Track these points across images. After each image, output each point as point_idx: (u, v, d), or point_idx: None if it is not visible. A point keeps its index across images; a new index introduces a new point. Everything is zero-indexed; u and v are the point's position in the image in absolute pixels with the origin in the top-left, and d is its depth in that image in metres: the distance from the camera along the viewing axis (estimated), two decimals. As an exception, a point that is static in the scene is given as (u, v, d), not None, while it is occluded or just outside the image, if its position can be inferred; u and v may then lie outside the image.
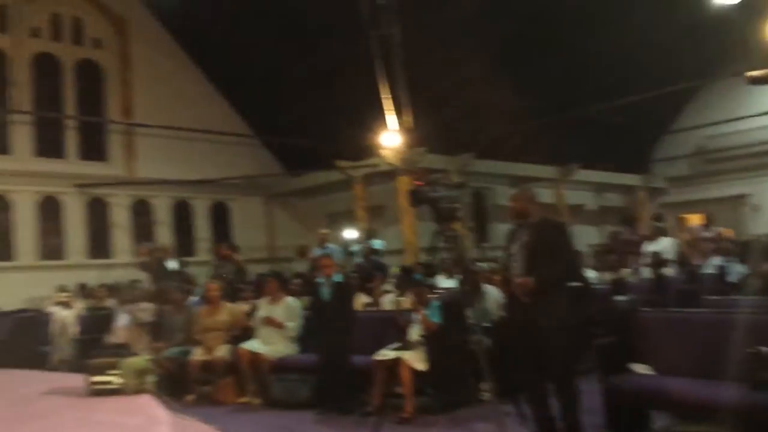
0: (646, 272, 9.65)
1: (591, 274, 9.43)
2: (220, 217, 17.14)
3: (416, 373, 5.90)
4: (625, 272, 10.43)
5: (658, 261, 9.30)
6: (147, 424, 1.90)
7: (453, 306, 6.25)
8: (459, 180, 5.57)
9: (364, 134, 13.00)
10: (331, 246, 11.11)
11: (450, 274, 8.93)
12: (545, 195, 15.38)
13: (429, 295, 6.39)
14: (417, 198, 4.88)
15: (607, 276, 10.04)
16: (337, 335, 6.39)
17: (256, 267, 13.30)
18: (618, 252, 11.49)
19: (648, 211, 17.98)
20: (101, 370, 2.37)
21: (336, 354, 6.37)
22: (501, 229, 15.06)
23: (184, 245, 15.70)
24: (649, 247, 10.05)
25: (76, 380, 2.73)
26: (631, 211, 17.38)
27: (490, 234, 15.99)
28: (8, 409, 2.28)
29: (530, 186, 5.36)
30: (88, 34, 15.51)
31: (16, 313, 10.77)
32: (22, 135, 14.33)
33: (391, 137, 12.67)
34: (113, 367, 2.37)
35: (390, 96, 11.58)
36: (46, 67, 14.78)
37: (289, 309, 7.33)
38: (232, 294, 8.97)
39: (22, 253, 13.99)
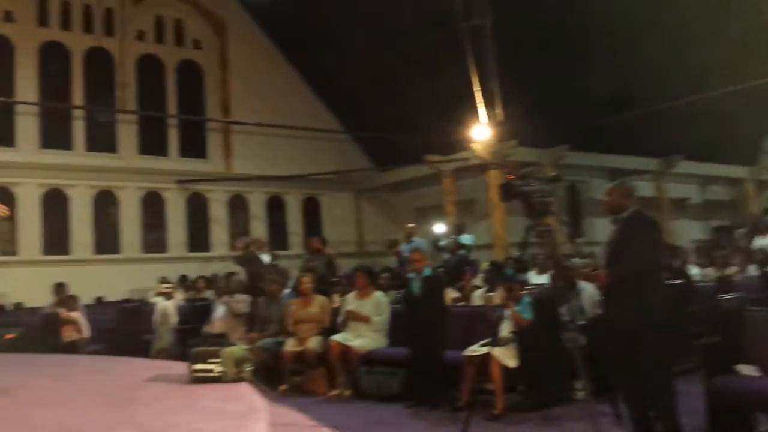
0: (753, 269, 9.06)
1: (694, 270, 8.94)
2: (311, 211, 17.51)
3: (507, 370, 5.80)
4: (732, 269, 9.83)
5: (766, 258, 8.71)
6: (246, 411, 1.93)
7: (545, 303, 6.09)
8: (553, 173, 5.36)
9: (454, 128, 12.89)
10: (418, 240, 11.08)
11: (542, 270, 8.73)
12: (645, 189, 14.73)
13: (520, 291, 6.25)
14: (509, 192, 4.75)
15: (712, 273, 9.49)
16: (427, 329, 6.36)
17: (345, 261, 13.48)
18: (724, 248, 10.85)
19: (756, 205, 16.87)
20: (202, 359, 2.43)
21: (427, 348, 6.34)
22: (596, 224, 14.57)
23: (277, 239, 16.14)
24: (758, 243, 9.42)
25: (178, 368, 2.83)
26: (738, 205, 16.36)
27: (584, 229, 15.49)
28: (117, 394, 2.39)
29: (627, 179, 5.11)
30: (189, 35, 16.20)
31: (121, 303, 11.41)
32: (128, 134, 15.15)
33: (481, 130, 12.50)
34: (213, 355, 2.43)
35: (481, 88, 11.41)
36: (150, 69, 15.55)
37: (377, 303, 7.36)
38: (324, 287, 9.12)
39: (127, 246, 14.81)
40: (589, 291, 6.76)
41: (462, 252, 10.25)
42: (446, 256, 10.78)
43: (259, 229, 15.86)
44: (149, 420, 1.86)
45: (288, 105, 16.24)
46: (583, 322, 6.11)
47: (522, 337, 5.94)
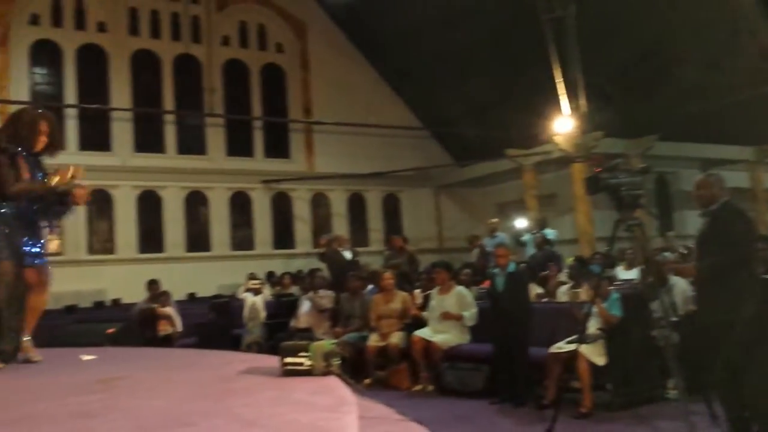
0: None
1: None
2: (391, 208, 17.62)
3: (595, 368, 5.66)
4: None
5: None
6: (336, 404, 1.97)
7: (635, 299, 5.90)
8: (641, 165, 5.17)
9: (536, 121, 12.64)
10: (502, 235, 10.95)
11: (631, 266, 8.45)
12: (739, 179, 13.96)
13: (608, 287, 6.07)
14: (595, 185, 4.63)
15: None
16: (512, 326, 6.30)
17: (426, 257, 13.48)
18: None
19: None
20: (292, 352, 2.50)
21: (511, 345, 6.28)
22: (687, 217, 13.94)
23: (358, 235, 16.35)
24: None
25: (269, 361, 2.92)
26: None
27: (675, 222, 14.86)
28: (213, 385, 2.49)
29: (717, 171, 4.87)
30: (272, 39, 16.61)
31: (212, 299, 11.85)
32: (216, 136, 15.71)
33: (564, 122, 12.19)
34: (303, 349, 2.49)
35: (563, 79, 11.14)
36: (235, 73, 16.06)
37: (460, 298, 7.34)
38: (406, 283, 9.18)
39: (217, 244, 15.37)
40: (681, 286, 6.51)
41: (547, 247, 10.03)
42: (531, 251, 10.58)
43: (340, 226, 16.09)
44: (245, 411, 1.93)
45: (367, 103, 16.40)
46: (675, 319, 5.90)
47: (610, 334, 5.79)
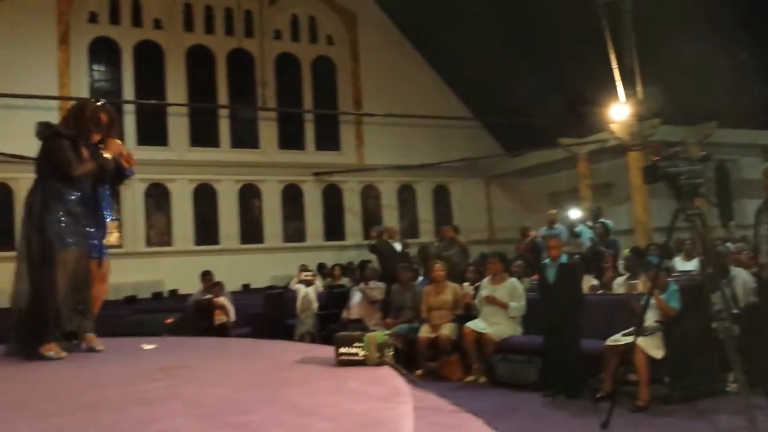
0: None
1: None
2: (441, 199, 17.55)
3: (652, 360, 5.54)
4: None
5: None
6: (391, 394, 1.98)
7: (694, 290, 5.74)
8: (701, 153, 5.01)
9: (590, 108, 12.36)
10: (560, 227, 10.73)
11: (689, 256, 8.21)
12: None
13: (666, 279, 5.92)
14: (653, 174, 4.51)
15: None
16: (563, 318, 6.20)
17: (476, 248, 13.39)
18: None
19: None
20: (347, 343, 2.53)
21: (563, 337, 6.19)
22: (748, 206, 13.43)
23: (408, 227, 16.35)
24: None
25: (323, 351, 2.96)
26: None
27: (736, 211, 14.35)
28: (269, 374, 2.54)
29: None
30: (323, 32, 16.71)
31: (265, 290, 12.05)
32: (269, 130, 15.93)
33: (620, 110, 11.89)
34: (357, 340, 2.52)
35: (619, 66, 10.85)
36: (287, 66, 16.23)
37: (512, 290, 7.28)
38: (457, 275, 9.13)
39: (269, 236, 15.61)
40: (743, 277, 6.31)
41: (604, 238, 9.74)
42: (585, 242, 10.33)
43: (390, 217, 16.13)
44: (302, 399, 1.96)
45: (417, 94, 16.35)
46: (736, 311, 5.72)
47: (668, 327, 5.64)
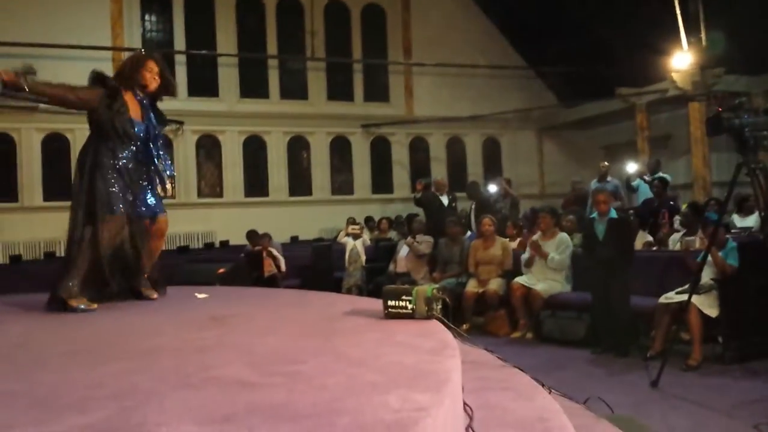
0: None
1: None
2: (491, 151, 17.31)
3: (706, 319, 5.42)
4: None
5: None
6: (439, 347, 1.99)
7: (753, 248, 5.55)
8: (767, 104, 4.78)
9: (650, 57, 11.87)
10: (614, 181, 10.44)
11: (750, 212, 7.93)
12: None
13: (725, 236, 5.73)
14: (717, 126, 4.32)
15: None
16: (612, 275, 6.09)
17: (526, 202, 13.21)
18: None
19: None
20: (395, 296, 2.54)
21: (612, 294, 6.09)
22: (817, 162, 12.84)
23: (457, 180, 16.22)
24: None
25: (371, 303, 2.98)
26: None
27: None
28: (319, 325, 2.58)
29: None
30: (373, -21, 16.38)
31: (313, 242, 12.19)
32: (318, 81, 15.87)
33: (681, 58, 11.38)
34: (406, 293, 2.52)
35: (681, 10, 10.34)
36: (336, 16, 16.03)
37: (560, 243, 7.19)
38: (510, 226, 9.05)
39: (318, 188, 15.72)
40: (807, 236, 6.03)
41: (664, 192, 9.39)
42: (642, 196, 10.01)
43: (439, 170, 16.01)
44: (351, 350, 1.98)
45: (469, 43, 15.98)
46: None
47: (725, 285, 5.49)
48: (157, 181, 3.75)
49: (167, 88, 3.84)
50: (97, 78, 3.63)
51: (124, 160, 3.56)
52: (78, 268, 3.41)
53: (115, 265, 3.61)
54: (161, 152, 3.75)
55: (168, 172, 3.76)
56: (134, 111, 3.65)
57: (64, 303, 3.36)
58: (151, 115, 3.73)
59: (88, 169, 3.50)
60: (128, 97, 3.64)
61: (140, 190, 3.65)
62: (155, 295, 3.74)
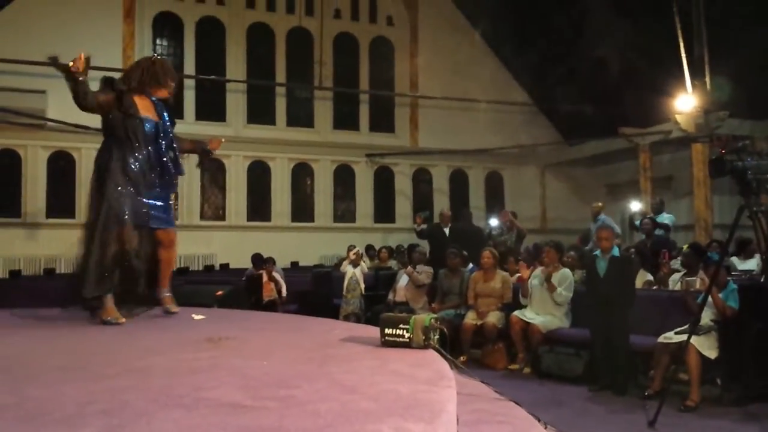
0: None
1: None
2: (493, 185, 17.35)
3: (705, 360, 5.37)
4: None
5: None
6: (435, 377, 1.97)
7: (753, 290, 5.53)
8: (770, 147, 4.79)
9: (654, 98, 11.95)
10: (605, 218, 10.44)
11: (751, 255, 7.92)
12: None
13: (726, 277, 5.71)
14: (720, 168, 4.34)
15: None
16: (612, 312, 6.05)
17: (528, 238, 13.18)
18: None
19: None
20: (392, 324, 2.52)
21: (611, 332, 6.05)
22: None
23: (459, 213, 16.22)
24: None
25: (369, 331, 2.96)
26: None
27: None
28: (315, 350, 2.56)
29: None
30: (382, 11, 16.59)
31: (314, 268, 12.16)
32: (324, 110, 16.00)
33: (686, 100, 11.47)
34: (403, 321, 2.51)
35: (687, 55, 10.45)
36: (345, 46, 16.23)
37: (562, 279, 7.16)
38: (512, 260, 9.01)
39: (320, 215, 15.74)
40: (808, 281, 6.01)
41: (660, 232, 9.44)
42: (642, 236, 10.03)
43: (441, 202, 16.03)
44: (345, 377, 1.96)
45: (476, 78, 16.08)
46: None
47: (724, 327, 5.45)
48: (167, 188, 3.77)
49: (159, 86, 3.86)
50: (107, 82, 3.69)
51: (136, 166, 3.58)
52: (100, 275, 3.46)
53: (123, 274, 3.63)
54: (175, 147, 3.78)
55: (178, 168, 3.79)
56: (145, 109, 3.69)
57: (93, 310, 3.43)
58: (164, 114, 3.78)
59: (102, 177, 3.55)
60: (138, 98, 3.68)
61: (149, 202, 3.67)
62: (176, 309, 3.77)
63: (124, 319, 3.45)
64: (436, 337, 2.50)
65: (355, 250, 9.83)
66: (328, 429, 1.40)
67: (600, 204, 10.81)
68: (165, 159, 3.71)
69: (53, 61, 3.51)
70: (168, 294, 3.85)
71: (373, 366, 2.18)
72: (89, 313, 3.54)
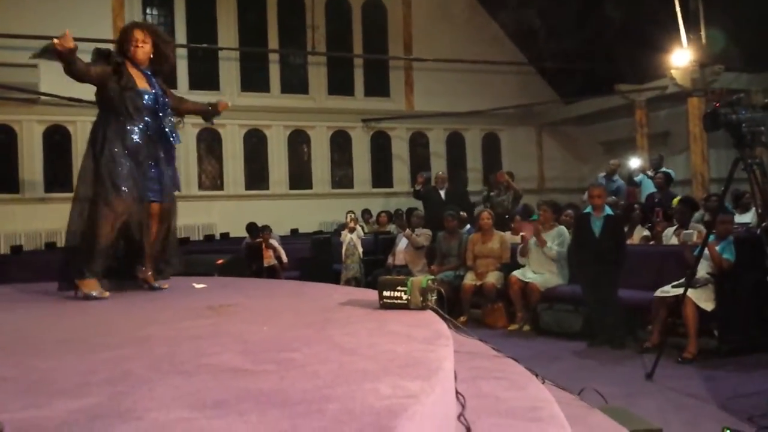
0: None
1: None
2: (490, 147, 17.29)
3: (702, 313, 5.44)
4: None
5: None
6: (432, 336, 2.00)
7: (749, 243, 5.56)
8: (765, 101, 4.77)
9: (649, 54, 11.85)
10: (618, 180, 10.46)
11: (747, 209, 7.95)
12: None
13: (730, 227, 5.76)
14: (714, 121, 4.33)
15: None
16: (605, 270, 6.10)
17: (526, 198, 13.20)
18: None
19: None
20: (390, 286, 2.55)
21: (602, 288, 6.11)
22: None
23: (457, 174, 16.23)
24: None
25: (367, 294, 3.00)
26: None
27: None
28: (314, 315, 2.59)
29: None
30: (374, -27, 16.33)
31: (313, 235, 12.21)
32: (318, 75, 15.84)
33: (681, 55, 11.37)
34: (401, 284, 2.53)
35: (681, 7, 10.32)
36: (337, 11, 16.00)
37: (557, 236, 7.21)
38: (508, 222, 9.06)
39: (318, 182, 15.72)
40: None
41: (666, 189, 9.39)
42: (646, 192, 10.01)
43: (439, 165, 16.00)
44: (345, 339, 2.00)
45: (470, 39, 15.94)
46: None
47: (721, 280, 5.51)
48: (167, 162, 3.71)
49: (162, 58, 3.76)
50: (101, 54, 3.60)
51: (135, 137, 3.52)
52: (88, 251, 3.40)
53: (120, 249, 3.62)
54: (171, 121, 3.72)
55: (174, 138, 3.71)
56: (140, 81, 3.61)
57: (76, 287, 3.37)
58: (156, 84, 3.68)
59: (98, 148, 3.46)
60: (132, 70, 3.60)
61: (147, 173, 3.61)
62: (166, 285, 3.73)
63: (107, 293, 3.38)
64: (434, 297, 2.53)
65: (350, 216, 9.85)
66: (326, 389, 1.44)
67: (617, 161, 10.80)
68: (166, 130, 3.65)
69: (40, 54, 3.39)
70: (151, 272, 3.72)
71: (371, 328, 2.21)
72: (62, 286, 3.48)
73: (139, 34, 3.65)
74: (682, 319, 5.48)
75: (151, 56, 3.72)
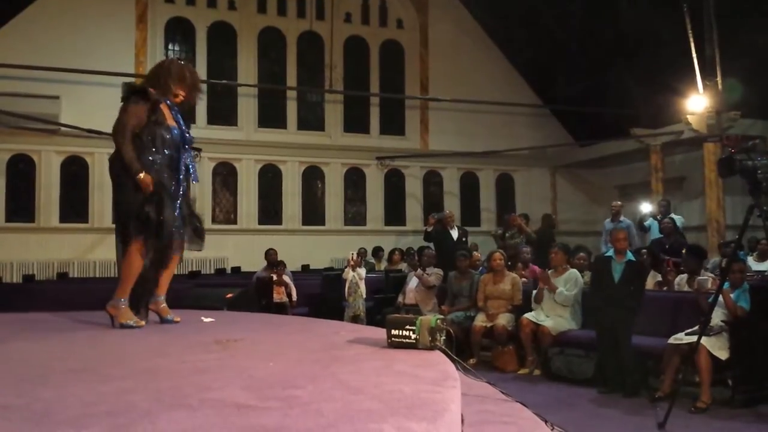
0: None
1: None
2: (504, 187, 17.30)
3: (716, 361, 5.33)
4: None
5: None
6: (440, 378, 1.98)
7: (764, 291, 5.49)
8: (781, 147, 4.77)
9: (665, 98, 11.89)
10: (625, 220, 10.39)
11: (763, 257, 7.86)
12: None
13: (745, 274, 5.69)
14: (729, 168, 4.32)
15: None
16: (622, 315, 6.03)
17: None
18: None
19: None
20: (399, 325, 2.53)
21: (617, 334, 6.02)
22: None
23: (470, 215, 16.22)
24: None
25: (376, 332, 2.98)
26: None
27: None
28: (321, 352, 2.57)
29: None
30: (393, 15, 16.62)
31: (324, 271, 12.18)
32: (335, 113, 16.02)
33: (697, 100, 11.40)
34: (410, 323, 2.52)
35: (698, 55, 10.39)
36: (355, 50, 16.27)
37: (568, 279, 7.15)
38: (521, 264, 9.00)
39: (331, 218, 15.76)
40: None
41: (676, 235, 9.32)
42: (654, 236, 9.95)
43: (452, 204, 16.00)
44: (350, 378, 1.97)
45: (486, 80, 16.11)
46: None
47: (735, 328, 5.42)
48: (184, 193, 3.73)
49: (188, 102, 3.85)
50: (135, 91, 3.63)
51: (158, 168, 3.54)
52: (125, 284, 3.49)
53: (141, 283, 3.65)
54: (190, 156, 3.75)
55: (192, 175, 3.74)
56: (170, 118, 3.66)
57: (112, 319, 3.43)
58: (180, 118, 3.72)
59: (130, 182, 3.47)
60: (162, 105, 3.64)
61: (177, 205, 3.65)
62: (178, 318, 3.74)
63: (143, 322, 3.46)
64: (443, 338, 2.50)
65: (352, 254, 9.78)
66: (330, 428, 1.42)
67: (619, 203, 10.77)
68: (190, 165, 3.69)
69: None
70: (163, 304, 3.74)
71: (378, 367, 2.19)
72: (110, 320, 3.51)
73: (183, 90, 3.73)
74: (696, 368, 5.37)
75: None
